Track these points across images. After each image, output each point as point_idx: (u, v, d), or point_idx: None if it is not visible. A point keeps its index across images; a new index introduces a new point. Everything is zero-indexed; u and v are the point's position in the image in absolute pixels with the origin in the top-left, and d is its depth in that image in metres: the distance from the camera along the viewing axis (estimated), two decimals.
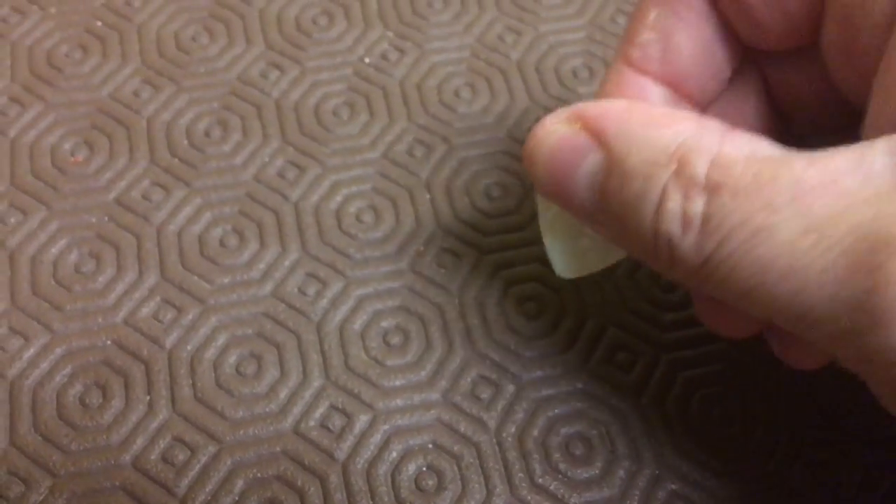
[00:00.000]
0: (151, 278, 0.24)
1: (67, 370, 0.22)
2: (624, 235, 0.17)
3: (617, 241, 0.18)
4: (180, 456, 0.21)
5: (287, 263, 0.24)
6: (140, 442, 0.21)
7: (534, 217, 0.25)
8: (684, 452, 0.21)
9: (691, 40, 0.18)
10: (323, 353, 0.23)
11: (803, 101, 0.21)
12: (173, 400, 0.22)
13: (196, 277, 0.24)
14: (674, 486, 0.21)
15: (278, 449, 0.21)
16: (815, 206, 0.14)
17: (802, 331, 0.15)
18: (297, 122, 0.26)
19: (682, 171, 0.16)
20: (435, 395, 0.22)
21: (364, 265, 0.24)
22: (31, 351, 0.22)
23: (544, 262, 0.24)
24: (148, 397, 0.22)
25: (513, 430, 0.22)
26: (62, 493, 0.21)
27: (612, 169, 0.17)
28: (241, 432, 0.21)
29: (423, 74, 0.28)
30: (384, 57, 0.28)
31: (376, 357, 0.23)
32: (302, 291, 0.24)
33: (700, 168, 0.15)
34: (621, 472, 0.21)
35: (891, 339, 0.14)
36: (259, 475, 0.21)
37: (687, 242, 0.16)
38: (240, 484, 0.21)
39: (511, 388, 0.22)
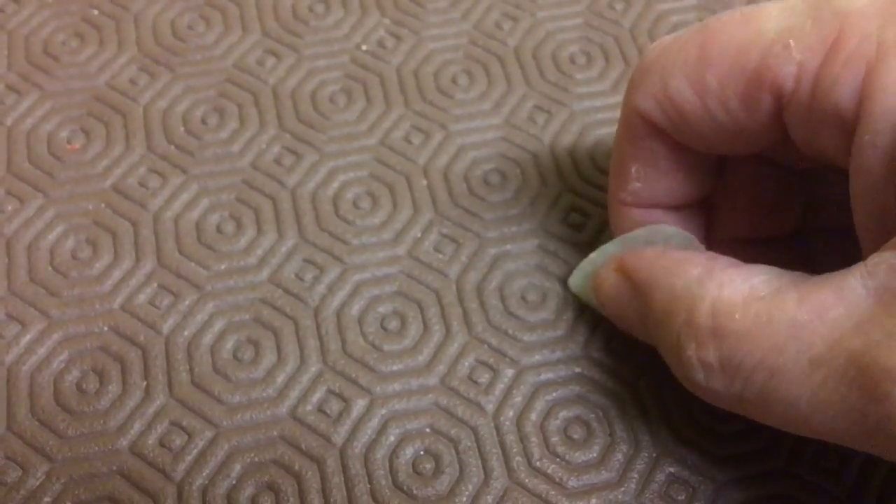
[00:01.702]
0: (148, 265, 0.24)
1: (64, 356, 0.22)
2: (669, 364, 0.19)
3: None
4: (177, 441, 0.21)
5: (284, 249, 0.24)
6: (137, 427, 0.21)
7: (532, 202, 0.25)
8: (683, 436, 0.21)
9: (669, 181, 0.21)
10: (320, 338, 0.23)
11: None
12: (170, 385, 0.22)
13: (193, 264, 0.24)
14: (672, 470, 0.21)
15: (276, 433, 0.21)
16: (814, 340, 0.16)
17: (836, 442, 0.17)
18: (294, 110, 0.26)
19: (689, 319, 0.18)
20: (433, 380, 0.22)
21: (361, 251, 0.24)
22: (29, 337, 0.22)
23: (544, 248, 0.24)
24: (145, 383, 0.22)
25: (511, 413, 0.22)
26: (59, 477, 0.21)
27: (646, 316, 0.20)
28: (239, 417, 0.21)
29: (420, 61, 0.27)
30: (381, 44, 0.28)
31: (374, 342, 0.23)
32: (299, 277, 0.24)
33: (704, 316, 0.17)
34: (619, 456, 0.21)
35: None
36: (256, 459, 0.21)
37: (715, 385, 0.18)
38: (237, 468, 0.21)
39: (509, 372, 0.22)
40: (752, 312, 0.17)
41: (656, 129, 0.20)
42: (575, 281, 0.23)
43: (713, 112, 0.18)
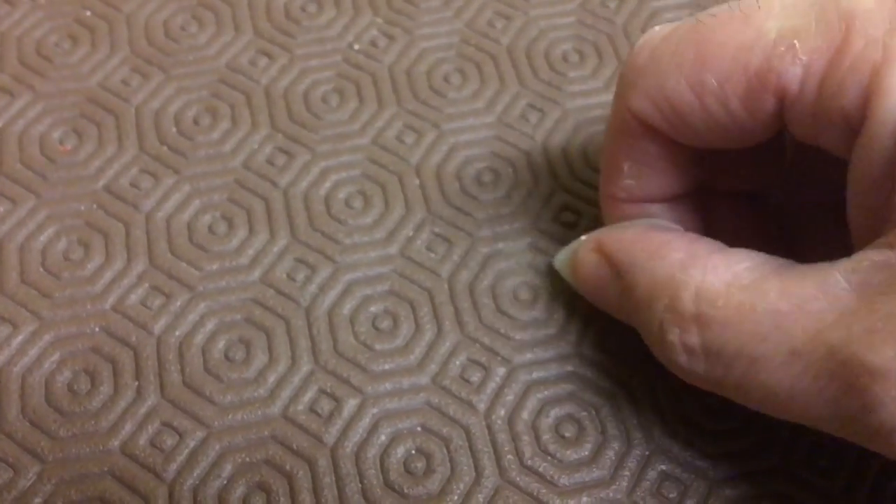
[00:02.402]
0: (140, 265, 0.24)
1: (56, 357, 0.22)
2: (650, 345, 0.19)
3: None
4: (169, 441, 0.21)
5: (276, 249, 0.24)
6: (128, 427, 0.21)
7: (525, 200, 0.25)
8: (675, 434, 0.21)
9: (663, 177, 0.21)
10: (312, 337, 0.23)
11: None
12: (162, 385, 0.22)
13: (185, 264, 0.24)
14: (664, 467, 0.21)
15: (267, 433, 0.21)
16: (795, 331, 0.16)
17: (818, 429, 0.17)
18: (287, 109, 0.26)
19: (673, 304, 0.18)
20: (424, 379, 0.22)
21: (353, 250, 0.24)
22: (20, 338, 0.22)
23: (535, 247, 0.24)
24: (136, 383, 0.22)
25: (502, 412, 0.22)
26: (51, 478, 0.21)
27: (625, 298, 0.20)
28: (230, 417, 0.21)
29: (412, 60, 0.27)
30: (373, 43, 0.28)
31: (365, 341, 0.23)
32: (291, 277, 0.23)
33: (687, 302, 0.17)
34: (611, 454, 0.21)
35: (892, 443, 0.16)
36: (248, 459, 0.21)
37: (697, 368, 0.18)
38: (228, 468, 0.21)
39: (501, 371, 0.22)
40: (735, 301, 0.17)
41: (650, 129, 0.20)
42: (561, 259, 0.23)
43: (712, 112, 0.18)
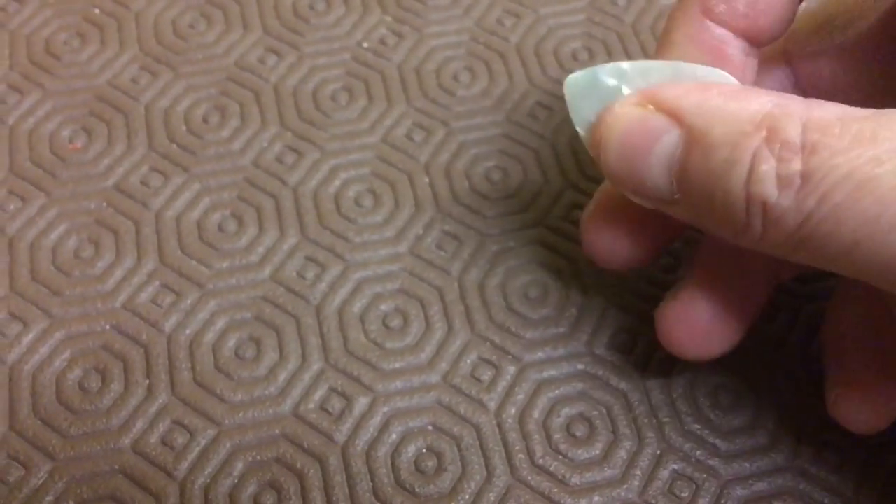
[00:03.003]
0: (150, 263, 0.24)
1: (66, 355, 0.22)
2: (708, 211, 0.16)
3: (698, 220, 0.17)
4: (179, 439, 0.21)
5: (286, 247, 0.24)
6: (139, 425, 0.21)
7: (534, 198, 0.25)
8: (687, 433, 0.21)
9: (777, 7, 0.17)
10: (322, 336, 0.23)
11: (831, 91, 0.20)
12: (172, 384, 0.22)
13: (195, 262, 0.24)
14: (676, 466, 0.21)
15: (277, 432, 0.21)
16: None
17: (889, 283, 0.15)
18: (296, 108, 0.26)
19: (773, 136, 0.15)
20: (435, 378, 0.22)
21: (363, 248, 0.24)
22: (31, 336, 0.22)
23: (545, 244, 0.24)
24: (147, 381, 0.22)
25: (513, 411, 0.22)
26: (62, 476, 0.21)
27: (694, 143, 0.16)
28: (241, 415, 0.21)
29: (421, 59, 0.27)
30: (382, 42, 0.28)
31: (375, 340, 0.22)
32: (301, 275, 0.23)
33: (793, 131, 0.15)
34: (622, 453, 0.21)
35: None
36: (259, 458, 0.21)
37: (785, 202, 0.15)
38: (239, 466, 0.21)
39: (511, 369, 0.22)
40: (852, 130, 0.15)
41: None
42: (582, 116, 0.18)
43: None
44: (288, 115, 0.26)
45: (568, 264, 0.24)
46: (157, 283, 0.23)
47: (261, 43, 0.28)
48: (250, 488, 0.21)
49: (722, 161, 0.16)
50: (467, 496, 0.20)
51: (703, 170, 0.16)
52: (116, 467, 0.21)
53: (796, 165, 0.15)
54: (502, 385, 0.22)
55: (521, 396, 0.22)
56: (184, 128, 0.26)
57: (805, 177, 0.15)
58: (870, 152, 0.14)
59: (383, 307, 0.23)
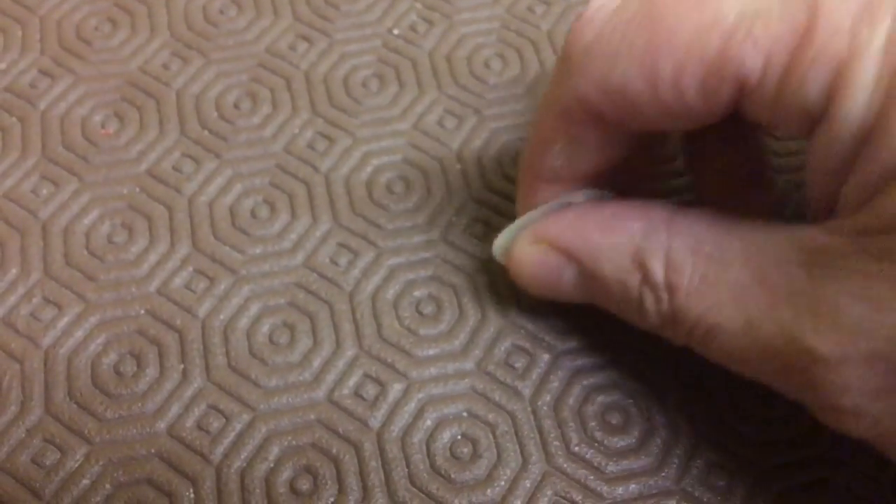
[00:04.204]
0: (183, 249, 0.24)
1: (101, 339, 0.22)
2: (620, 314, 0.20)
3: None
4: (215, 423, 0.21)
5: (318, 234, 0.24)
6: (175, 410, 0.21)
7: None
8: (722, 422, 0.21)
9: (596, 157, 0.20)
10: (356, 322, 0.22)
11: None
12: (207, 368, 0.22)
13: (228, 248, 0.24)
14: (712, 455, 0.21)
15: (313, 417, 0.21)
16: (751, 304, 0.17)
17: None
18: (327, 94, 0.26)
19: (646, 278, 0.18)
20: (469, 365, 0.22)
21: (396, 235, 0.24)
22: (65, 320, 0.22)
23: None
24: (182, 366, 0.22)
25: (548, 398, 0.21)
26: (98, 460, 0.21)
27: (589, 278, 0.19)
28: (276, 400, 0.21)
29: (452, 45, 0.27)
30: (413, 28, 0.28)
31: (409, 326, 0.22)
32: (333, 261, 0.23)
33: (658, 273, 0.18)
34: (658, 442, 0.21)
35: (840, 419, 0.17)
36: (294, 443, 0.21)
37: (667, 332, 0.19)
38: (275, 451, 0.21)
39: (546, 357, 0.22)
40: (699, 271, 0.17)
41: (593, 115, 0.18)
42: (499, 247, 0.21)
43: (665, 101, 0.17)
44: (319, 102, 0.26)
45: None
46: (190, 268, 0.23)
47: (291, 29, 0.28)
48: (286, 473, 0.21)
49: (618, 296, 0.19)
50: (503, 483, 0.20)
51: (605, 299, 0.20)
52: (153, 451, 0.21)
53: (665, 306, 0.18)
54: (536, 372, 0.22)
55: (555, 384, 0.22)
56: (215, 114, 0.26)
57: (671, 316, 0.18)
58: (712, 298, 0.17)
59: (416, 294, 0.23)
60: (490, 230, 0.24)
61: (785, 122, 0.17)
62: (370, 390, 0.22)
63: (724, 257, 0.17)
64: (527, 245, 0.20)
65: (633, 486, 0.20)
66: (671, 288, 0.18)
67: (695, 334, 0.18)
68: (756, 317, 0.17)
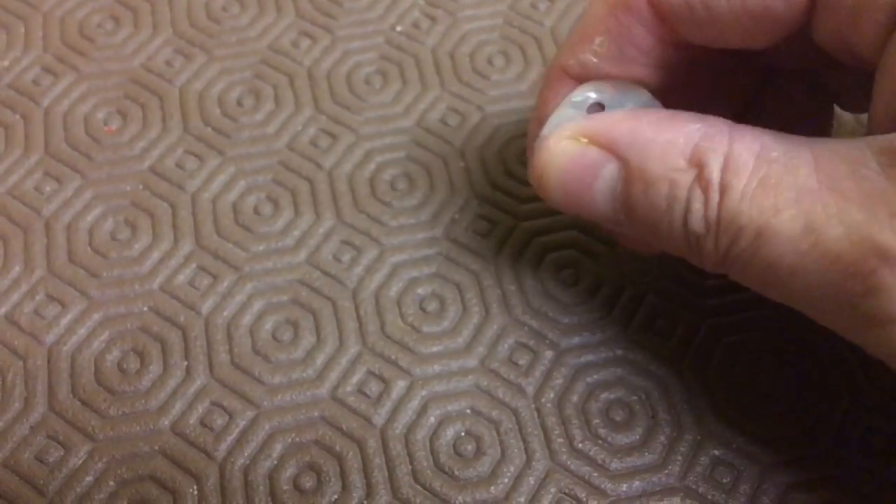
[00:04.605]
0: (187, 246, 0.24)
1: (105, 336, 0.22)
2: (654, 235, 0.18)
3: (646, 238, 0.19)
4: (219, 420, 0.21)
5: (321, 231, 0.24)
6: (178, 407, 0.21)
7: None
8: (726, 418, 0.21)
9: (629, 67, 0.18)
10: (359, 319, 0.22)
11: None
12: (211, 366, 0.22)
13: (231, 245, 0.24)
14: (716, 452, 0.21)
15: (316, 414, 0.21)
16: (815, 208, 0.15)
17: (812, 316, 0.17)
18: (330, 91, 0.26)
19: (700, 176, 0.16)
20: (472, 362, 0.22)
21: (399, 232, 0.24)
22: (69, 317, 0.22)
23: (581, 228, 0.24)
24: (185, 363, 0.22)
25: (551, 395, 0.21)
26: (101, 456, 0.21)
27: (633, 177, 0.17)
28: (279, 397, 0.21)
29: (455, 42, 0.27)
30: (416, 25, 0.28)
31: (412, 323, 0.22)
32: (337, 258, 0.23)
33: (715, 170, 0.16)
34: (662, 438, 0.21)
35: (886, 335, 0.15)
36: (297, 440, 0.21)
37: (710, 243, 0.17)
38: (278, 448, 0.21)
39: (549, 354, 0.22)
40: (760, 174, 0.16)
41: (658, 15, 0.17)
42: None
43: None
44: (322, 99, 0.26)
45: (605, 248, 0.23)
46: (193, 265, 0.23)
47: (294, 26, 0.27)
48: (289, 470, 0.21)
49: (662, 197, 0.17)
50: (507, 480, 0.20)
51: (646, 204, 0.17)
52: (156, 448, 0.21)
53: (713, 209, 0.16)
54: (540, 370, 0.22)
55: (559, 381, 0.22)
56: (218, 111, 0.26)
57: (717, 221, 0.16)
58: (770, 200, 0.16)
59: (420, 291, 0.23)
60: (493, 227, 0.24)
61: (858, 34, 0.16)
62: (374, 387, 0.22)
63: (791, 162, 0.16)
64: (562, 139, 0.18)
65: (637, 483, 0.20)
66: (725, 188, 0.16)
67: (740, 241, 0.16)
68: (820, 219, 0.15)
